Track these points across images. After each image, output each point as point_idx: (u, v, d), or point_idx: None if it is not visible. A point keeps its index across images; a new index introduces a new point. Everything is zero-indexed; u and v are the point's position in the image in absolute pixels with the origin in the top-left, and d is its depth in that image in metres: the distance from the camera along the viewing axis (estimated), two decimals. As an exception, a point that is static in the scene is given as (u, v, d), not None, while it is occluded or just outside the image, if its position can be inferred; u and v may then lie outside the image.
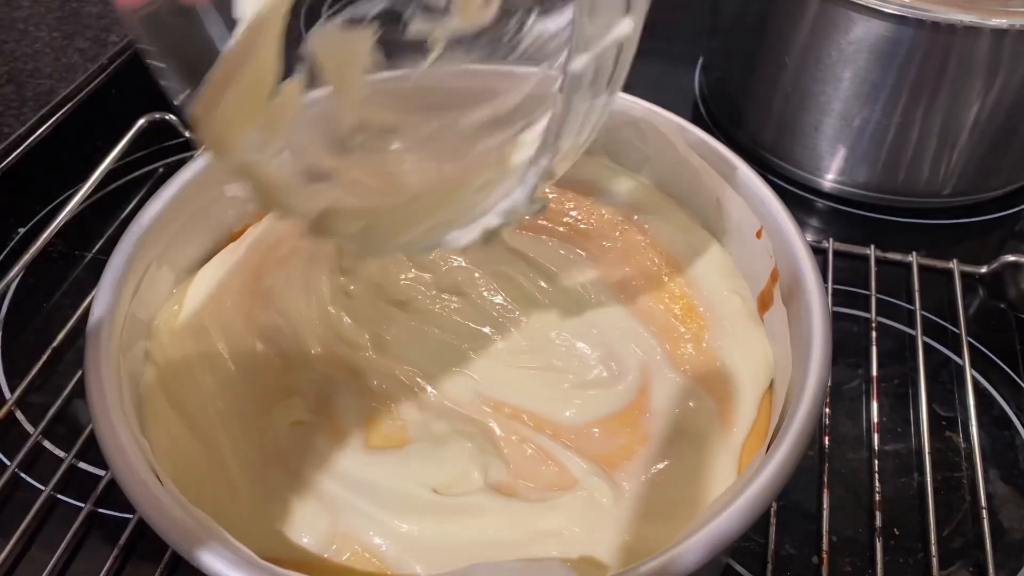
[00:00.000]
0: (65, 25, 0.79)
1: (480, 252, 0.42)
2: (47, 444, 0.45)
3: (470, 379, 0.37)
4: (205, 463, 0.34)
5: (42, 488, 0.43)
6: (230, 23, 0.29)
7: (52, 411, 0.46)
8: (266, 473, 0.34)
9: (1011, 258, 0.54)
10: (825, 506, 0.42)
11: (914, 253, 0.54)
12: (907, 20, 0.51)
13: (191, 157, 0.42)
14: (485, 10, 0.34)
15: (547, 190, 0.39)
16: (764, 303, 0.39)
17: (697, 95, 0.72)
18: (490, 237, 0.29)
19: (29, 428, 0.46)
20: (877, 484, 0.43)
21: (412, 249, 0.31)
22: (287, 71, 0.31)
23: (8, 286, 0.52)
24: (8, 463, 0.44)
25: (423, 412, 0.36)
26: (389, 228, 0.31)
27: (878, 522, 0.41)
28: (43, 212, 0.59)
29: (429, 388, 0.37)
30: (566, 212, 0.44)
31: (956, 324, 0.50)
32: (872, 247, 0.54)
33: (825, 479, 0.43)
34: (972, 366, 0.48)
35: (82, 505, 0.42)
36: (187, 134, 0.63)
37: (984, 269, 0.54)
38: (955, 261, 0.54)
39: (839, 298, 0.53)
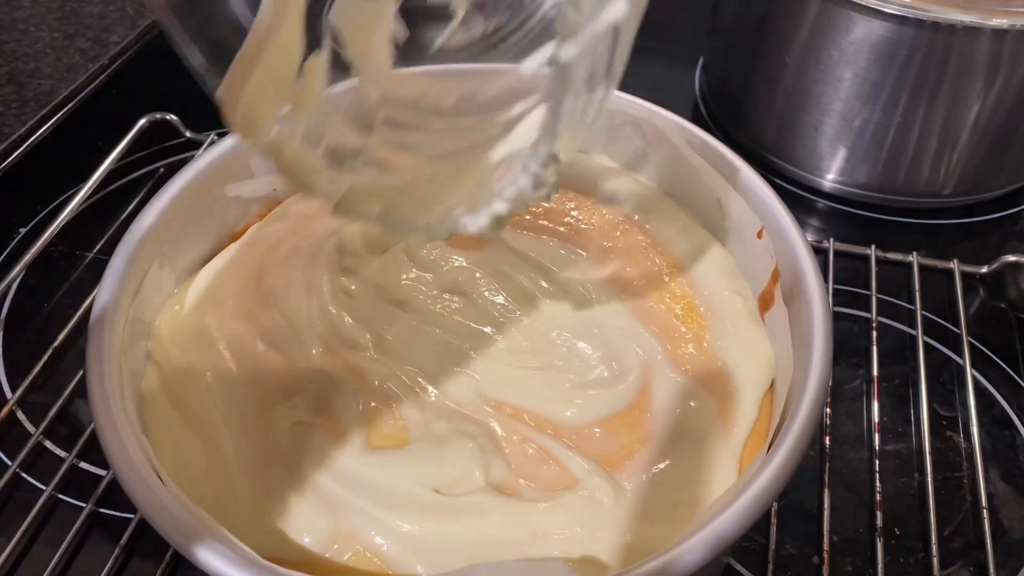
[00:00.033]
0: (66, 25, 0.79)
1: (481, 252, 0.42)
2: (48, 444, 0.45)
3: (471, 379, 0.37)
4: (206, 463, 0.34)
5: (43, 488, 0.43)
6: (253, 3, 0.29)
7: (53, 411, 0.46)
8: (267, 473, 0.34)
9: (1011, 258, 0.54)
10: (826, 506, 0.42)
11: (915, 253, 0.54)
12: (907, 20, 0.51)
13: (192, 157, 0.42)
14: None
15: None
16: (765, 303, 0.39)
17: (698, 95, 0.72)
18: (498, 223, 0.29)
19: (30, 428, 0.46)
20: (878, 484, 0.43)
21: (431, 231, 0.31)
22: (310, 48, 0.31)
23: (9, 286, 0.52)
24: (9, 463, 0.44)
25: (424, 412, 0.36)
26: (408, 209, 0.31)
27: (879, 522, 0.41)
28: (44, 212, 0.59)
29: (430, 388, 0.37)
30: (567, 212, 0.44)
31: (957, 324, 0.50)
32: (873, 247, 0.54)
33: (826, 479, 0.43)
34: (973, 366, 0.48)
35: (83, 505, 0.42)
36: (188, 134, 0.63)
37: (985, 269, 0.54)
38: (956, 261, 0.54)
39: (840, 298, 0.53)
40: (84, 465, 0.44)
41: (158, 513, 0.29)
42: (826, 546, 0.40)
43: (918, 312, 0.51)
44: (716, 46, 0.69)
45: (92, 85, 0.69)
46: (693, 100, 0.72)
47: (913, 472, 0.45)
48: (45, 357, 0.48)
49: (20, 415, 0.47)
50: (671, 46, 0.76)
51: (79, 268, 0.56)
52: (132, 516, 0.42)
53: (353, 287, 0.40)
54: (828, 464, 0.43)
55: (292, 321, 0.39)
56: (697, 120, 0.63)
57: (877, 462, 0.43)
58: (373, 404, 0.36)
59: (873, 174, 0.60)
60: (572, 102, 0.25)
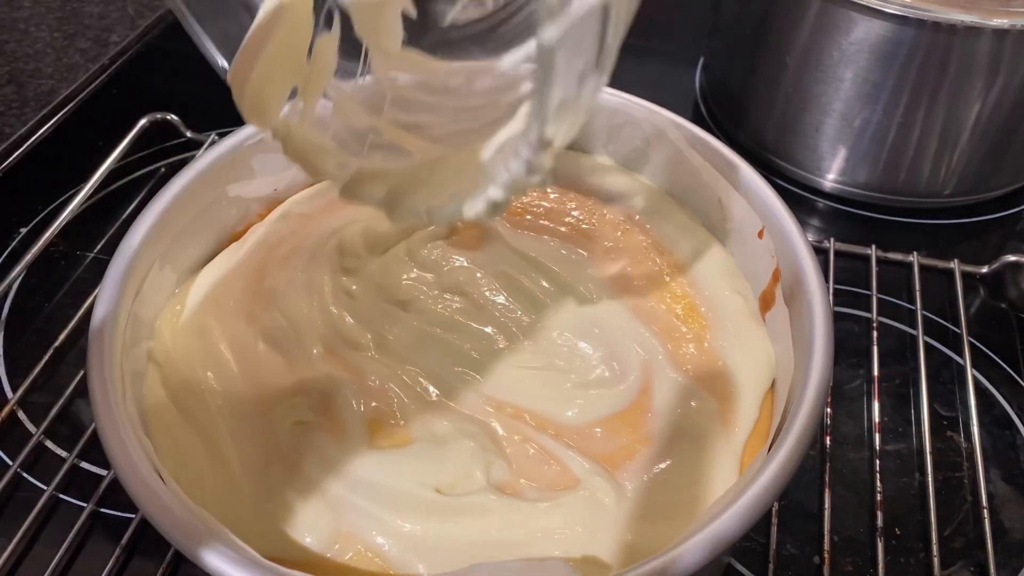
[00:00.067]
0: (66, 25, 0.79)
1: (482, 252, 0.42)
2: (49, 444, 0.45)
3: (472, 379, 0.37)
4: (207, 462, 0.34)
5: (44, 488, 0.43)
6: None
7: (54, 411, 0.46)
8: (268, 473, 0.34)
9: (1012, 258, 0.54)
10: (826, 506, 0.42)
11: (915, 253, 0.54)
12: (908, 20, 0.51)
13: (193, 157, 0.42)
14: None
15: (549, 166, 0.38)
16: (766, 303, 0.39)
17: (698, 95, 0.72)
18: (495, 209, 0.29)
19: (31, 428, 0.46)
20: (878, 484, 0.43)
21: (432, 216, 0.31)
22: (319, 28, 0.31)
23: (10, 286, 0.52)
24: (10, 463, 0.44)
25: (425, 412, 0.36)
26: (412, 193, 0.31)
27: (879, 522, 0.41)
28: (44, 212, 0.59)
29: (431, 388, 0.37)
30: (568, 212, 0.44)
31: (957, 324, 0.50)
32: (873, 247, 0.54)
33: (827, 479, 0.43)
34: (973, 366, 0.48)
35: (84, 505, 0.42)
36: (188, 134, 0.63)
37: (985, 269, 0.54)
38: (956, 261, 0.54)
39: (840, 298, 0.53)
40: (85, 465, 0.44)
41: (159, 513, 0.29)
42: (827, 546, 0.40)
43: (918, 312, 0.51)
44: (716, 46, 0.69)
45: (92, 85, 0.69)
46: (693, 100, 0.72)
47: (914, 472, 0.45)
48: (46, 357, 0.48)
49: (21, 415, 0.47)
50: (671, 46, 0.76)
51: (80, 268, 0.56)
52: (133, 516, 0.42)
53: (354, 287, 0.40)
54: (829, 464, 0.43)
55: (293, 321, 0.39)
56: (697, 120, 0.63)
57: (878, 462, 0.44)
58: (374, 404, 0.36)
59: (874, 174, 0.60)
60: (561, 85, 0.24)
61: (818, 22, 0.55)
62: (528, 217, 0.44)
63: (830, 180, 0.62)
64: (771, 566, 0.40)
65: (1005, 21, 0.50)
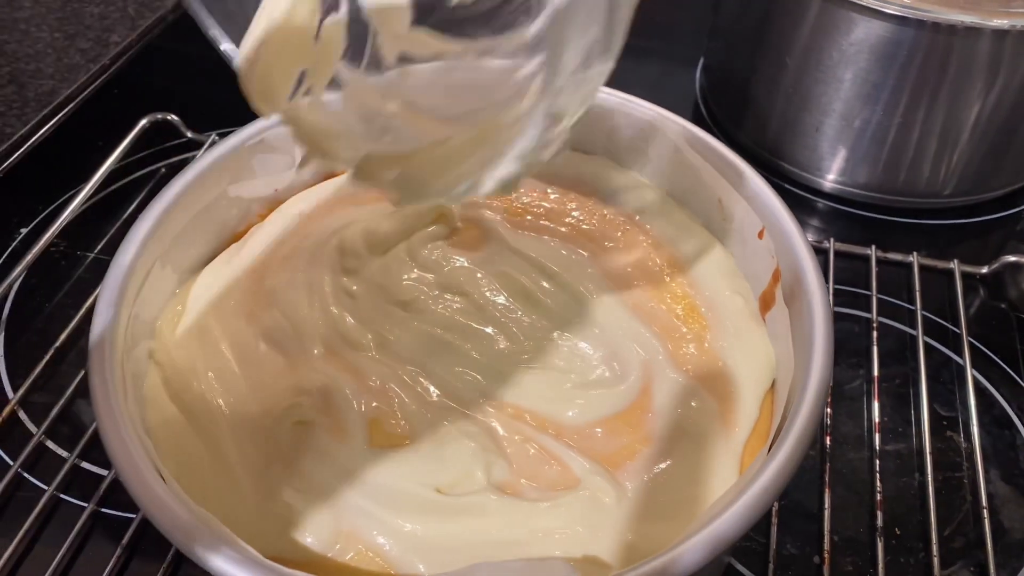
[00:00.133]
0: (67, 25, 0.79)
1: (483, 252, 0.42)
2: (50, 444, 0.45)
3: (473, 379, 0.37)
4: (208, 462, 0.34)
5: (45, 488, 0.43)
6: None
7: (55, 411, 0.46)
8: (269, 472, 0.34)
9: (1012, 258, 0.54)
10: (826, 506, 0.42)
11: (915, 253, 0.54)
12: (908, 21, 0.51)
13: (193, 157, 0.42)
14: None
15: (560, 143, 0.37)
16: (766, 303, 0.39)
17: (698, 95, 0.72)
18: (507, 186, 0.29)
19: (32, 428, 0.46)
20: (878, 484, 0.43)
21: (446, 195, 0.31)
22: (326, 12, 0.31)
23: (10, 286, 0.52)
24: (11, 463, 0.44)
25: (426, 412, 0.36)
26: (424, 174, 0.31)
27: (879, 522, 0.41)
28: (45, 212, 0.59)
29: (432, 388, 0.37)
30: (568, 212, 0.44)
31: (957, 324, 0.51)
32: (873, 247, 0.54)
33: (826, 479, 0.43)
34: (973, 366, 0.48)
35: (85, 505, 0.42)
36: (189, 134, 0.63)
37: (985, 269, 0.54)
38: (956, 261, 0.54)
39: (840, 298, 0.53)
40: (86, 465, 0.44)
41: (160, 513, 0.29)
42: (827, 546, 0.40)
43: (918, 312, 0.51)
44: (716, 46, 0.69)
45: (93, 85, 0.69)
46: (693, 100, 0.72)
47: (913, 472, 0.45)
48: (47, 357, 0.48)
49: (22, 415, 0.47)
50: (671, 46, 0.76)
51: (80, 268, 0.56)
52: (134, 516, 0.42)
53: (355, 287, 0.40)
54: (829, 464, 0.43)
55: (294, 321, 0.39)
56: (697, 120, 0.63)
57: (877, 462, 0.44)
58: (375, 404, 0.36)
59: (873, 174, 0.60)
60: (571, 57, 0.24)
61: (818, 22, 0.55)
62: (528, 217, 0.44)
63: (830, 180, 0.62)
64: (771, 566, 0.40)
65: (1005, 21, 0.50)
